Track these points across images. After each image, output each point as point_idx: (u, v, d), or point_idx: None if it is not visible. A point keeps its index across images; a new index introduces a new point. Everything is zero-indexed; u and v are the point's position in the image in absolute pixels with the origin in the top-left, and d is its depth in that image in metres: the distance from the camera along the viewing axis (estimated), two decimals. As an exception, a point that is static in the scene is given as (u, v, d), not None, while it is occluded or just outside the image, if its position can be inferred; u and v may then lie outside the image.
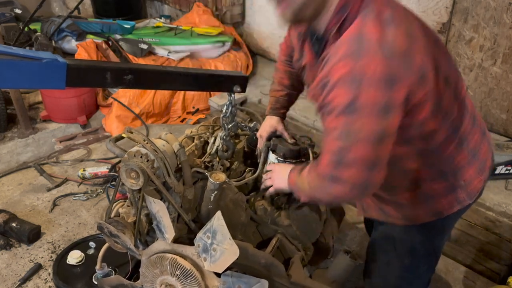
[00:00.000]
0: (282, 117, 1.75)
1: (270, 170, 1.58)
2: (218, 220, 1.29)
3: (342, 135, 1.11)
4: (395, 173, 1.27)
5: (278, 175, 1.51)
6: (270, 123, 1.73)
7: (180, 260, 1.40)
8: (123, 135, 1.51)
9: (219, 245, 1.31)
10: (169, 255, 1.42)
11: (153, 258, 1.46)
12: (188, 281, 1.41)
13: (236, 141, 1.86)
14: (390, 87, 1.04)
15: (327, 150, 1.17)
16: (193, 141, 1.78)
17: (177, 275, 1.41)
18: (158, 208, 1.39)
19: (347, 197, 1.24)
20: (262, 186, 1.62)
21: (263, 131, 1.72)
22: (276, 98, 1.75)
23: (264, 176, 1.60)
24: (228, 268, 1.36)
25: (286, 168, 1.48)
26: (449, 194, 1.38)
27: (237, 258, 1.40)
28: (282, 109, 1.74)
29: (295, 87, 1.71)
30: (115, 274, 2.03)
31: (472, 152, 1.37)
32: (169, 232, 1.41)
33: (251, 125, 1.78)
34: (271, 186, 1.55)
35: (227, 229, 1.28)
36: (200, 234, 1.36)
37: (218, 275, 1.39)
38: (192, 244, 1.39)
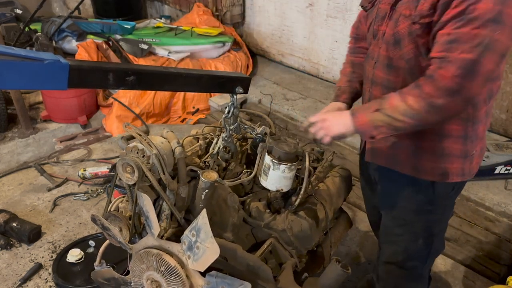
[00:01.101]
0: (346, 102, 1.72)
1: (316, 121, 1.48)
2: (202, 219, 1.29)
3: (479, 46, 1.14)
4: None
5: (334, 121, 1.44)
6: (337, 106, 1.70)
7: (165, 256, 1.41)
8: (124, 129, 1.52)
9: (202, 244, 1.31)
10: (155, 251, 1.42)
11: (140, 253, 1.47)
12: (172, 278, 1.41)
13: (243, 143, 1.86)
14: None
15: (452, 63, 1.17)
16: (198, 141, 1.79)
17: (162, 271, 1.42)
18: (145, 203, 1.40)
19: (456, 110, 1.26)
20: (313, 137, 1.50)
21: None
22: (338, 87, 1.75)
23: (311, 129, 1.49)
24: (217, 269, 1.37)
25: (342, 114, 1.44)
26: (461, 159, 1.45)
27: (226, 259, 1.40)
28: (343, 94, 1.72)
29: (356, 73, 1.73)
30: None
31: (486, 128, 1.46)
32: (155, 227, 1.41)
33: (260, 129, 1.77)
34: (323, 136, 1.46)
35: (210, 228, 1.27)
36: (186, 232, 1.36)
37: (203, 274, 1.38)
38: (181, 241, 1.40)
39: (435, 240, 1.64)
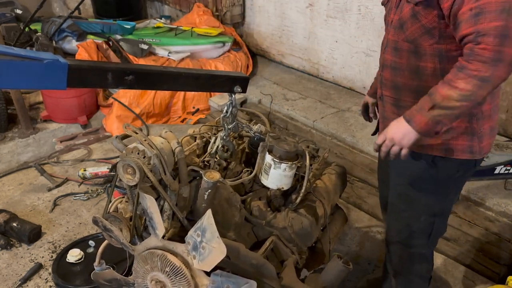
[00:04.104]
0: (371, 95, 1.95)
1: (382, 142, 1.46)
2: (208, 219, 1.29)
3: (504, 12, 1.20)
4: None
5: (398, 135, 1.41)
6: (365, 100, 1.98)
7: (170, 256, 1.41)
8: (124, 130, 1.52)
9: (208, 244, 1.31)
10: (159, 252, 1.43)
11: (144, 254, 1.47)
12: (178, 278, 1.41)
13: (240, 142, 1.87)
14: None
15: (487, 35, 1.22)
16: (196, 141, 1.79)
17: (167, 271, 1.42)
18: (149, 204, 1.40)
19: (503, 77, 1.27)
20: (390, 156, 1.46)
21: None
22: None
23: (383, 148, 1.46)
24: (220, 268, 1.37)
25: (399, 126, 1.41)
26: (466, 136, 1.51)
27: (229, 258, 1.40)
28: (370, 88, 1.96)
29: None
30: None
31: (496, 107, 1.54)
32: (160, 228, 1.41)
33: (256, 127, 1.78)
34: (398, 153, 1.44)
35: (216, 228, 1.28)
36: (191, 232, 1.36)
37: (208, 274, 1.39)
38: (184, 241, 1.40)
39: (436, 220, 1.71)
